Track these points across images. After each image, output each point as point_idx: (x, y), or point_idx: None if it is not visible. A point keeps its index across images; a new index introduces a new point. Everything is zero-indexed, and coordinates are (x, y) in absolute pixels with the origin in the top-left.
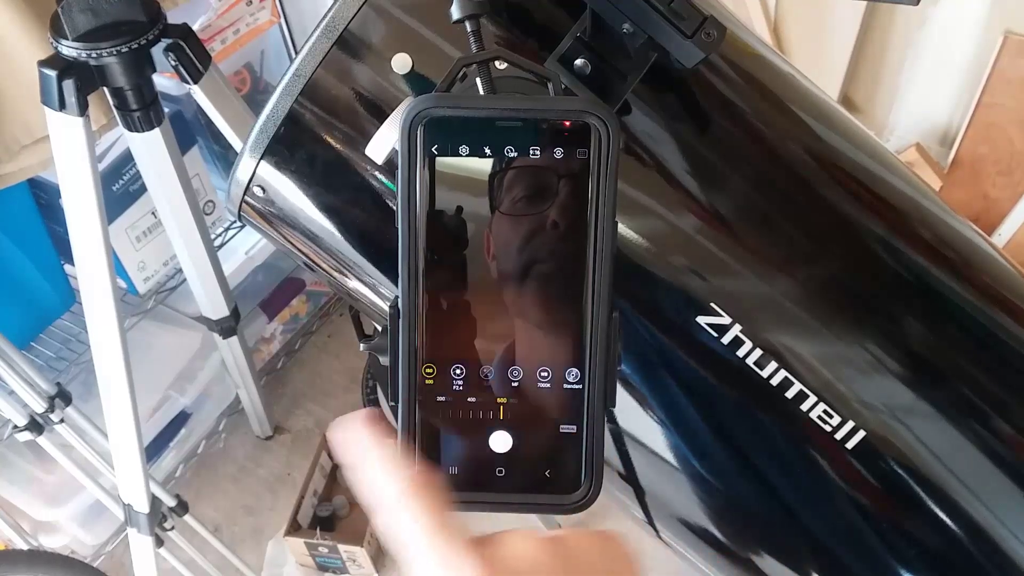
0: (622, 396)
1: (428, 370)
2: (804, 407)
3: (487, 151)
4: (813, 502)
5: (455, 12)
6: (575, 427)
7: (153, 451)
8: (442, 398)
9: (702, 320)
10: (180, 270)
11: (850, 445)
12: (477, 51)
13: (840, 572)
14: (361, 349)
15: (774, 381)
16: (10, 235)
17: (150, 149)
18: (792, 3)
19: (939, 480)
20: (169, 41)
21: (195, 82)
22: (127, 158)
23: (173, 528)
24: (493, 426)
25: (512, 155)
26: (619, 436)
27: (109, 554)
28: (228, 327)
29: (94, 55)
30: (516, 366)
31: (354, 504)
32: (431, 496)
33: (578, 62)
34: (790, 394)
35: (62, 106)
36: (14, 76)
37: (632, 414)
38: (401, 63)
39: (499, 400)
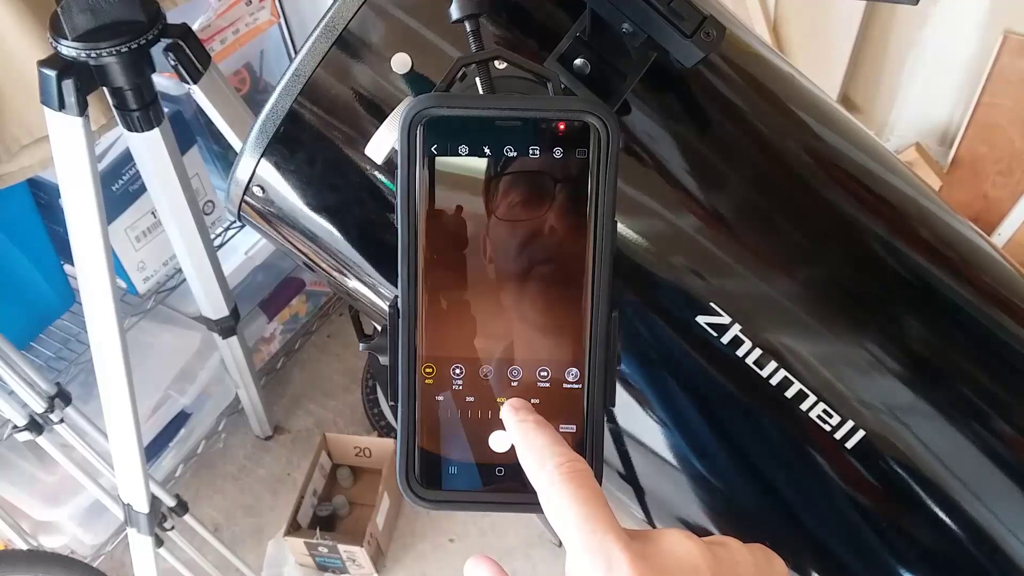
0: (622, 396)
1: (428, 370)
2: (804, 407)
3: (486, 151)
4: (813, 502)
5: (454, 12)
6: (575, 427)
7: (153, 451)
8: (441, 398)
9: (702, 320)
10: (180, 270)
11: (850, 445)
12: (476, 51)
13: (840, 572)
14: (361, 349)
15: (774, 381)
16: (10, 235)
17: (150, 149)
18: (792, 3)
19: (939, 480)
20: (168, 41)
21: (195, 82)
22: (127, 158)
23: (173, 528)
24: (493, 426)
25: (511, 155)
26: (619, 436)
27: (109, 554)
28: (228, 327)
29: (93, 55)
30: (515, 365)
31: (354, 504)
32: (582, 485)
33: (578, 62)
34: (789, 393)
35: (62, 106)
36: (14, 76)
37: (632, 414)
38: (400, 63)
39: (499, 400)
